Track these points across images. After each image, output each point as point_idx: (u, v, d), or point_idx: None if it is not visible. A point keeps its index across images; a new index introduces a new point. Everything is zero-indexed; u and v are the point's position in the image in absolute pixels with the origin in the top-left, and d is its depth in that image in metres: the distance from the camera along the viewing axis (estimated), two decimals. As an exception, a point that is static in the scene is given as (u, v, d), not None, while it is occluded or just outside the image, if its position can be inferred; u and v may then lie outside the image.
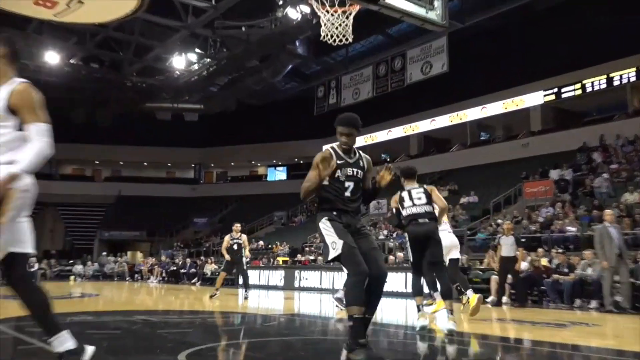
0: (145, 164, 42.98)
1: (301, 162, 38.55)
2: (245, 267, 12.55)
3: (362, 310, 3.88)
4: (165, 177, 43.76)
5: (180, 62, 27.21)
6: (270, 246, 26.07)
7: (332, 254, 4.00)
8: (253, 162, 42.94)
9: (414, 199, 6.42)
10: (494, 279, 11.99)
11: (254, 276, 19.53)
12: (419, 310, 6.63)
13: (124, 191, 39.58)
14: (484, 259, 14.45)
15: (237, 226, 12.49)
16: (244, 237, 12.42)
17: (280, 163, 41.51)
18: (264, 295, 15.00)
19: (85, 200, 38.46)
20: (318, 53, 26.70)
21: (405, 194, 6.51)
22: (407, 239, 6.51)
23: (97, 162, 42.76)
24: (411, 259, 6.53)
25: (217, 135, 39.38)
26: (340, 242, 3.98)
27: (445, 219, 8.06)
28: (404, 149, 32.92)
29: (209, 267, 23.46)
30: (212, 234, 34.00)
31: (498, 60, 27.04)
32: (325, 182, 4.14)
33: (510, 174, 22.50)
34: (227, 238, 12.32)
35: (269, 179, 41.47)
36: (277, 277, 19.53)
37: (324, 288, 16.88)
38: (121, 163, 43.11)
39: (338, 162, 4.15)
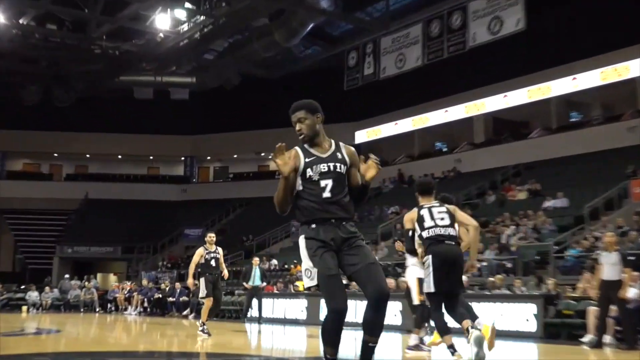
0: (119, 157, 42.75)
1: (327, 153, 38.37)
2: (222, 292, 12.97)
3: (335, 353, 4.45)
4: (147, 175, 43.77)
5: (165, 21, 27.29)
6: (287, 266, 26.06)
7: (307, 282, 4.51)
8: (263, 154, 42.38)
9: (435, 218, 7.16)
10: (592, 310, 11.77)
11: (266, 306, 19.56)
12: (453, 352, 6.99)
13: (92, 193, 39.41)
14: (577, 284, 14.32)
15: (211, 236, 12.76)
16: (221, 250, 12.83)
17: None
18: (279, 332, 14.91)
19: (40, 206, 38.62)
20: (349, 7, 26.59)
21: (425, 212, 7.24)
22: (429, 263, 6.99)
23: (55, 154, 42.42)
24: (433, 289, 6.96)
25: (215, 118, 39.43)
26: (314, 271, 4.43)
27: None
28: (467, 136, 32.85)
29: (206, 294, 23.42)
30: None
31: (593, 14, 26.58)
32: (299, 187, 4.58)
33: (613, 168, 22.20)
34: (200, 251, 12.56)
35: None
36: (297, 308, 19.35)
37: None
38: (88, 156, 42.86)
39: (306, 160, 4.59)
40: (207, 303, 12.42)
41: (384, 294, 4.39)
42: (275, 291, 21.97)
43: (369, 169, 4.60)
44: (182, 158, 43.77)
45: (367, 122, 36.65)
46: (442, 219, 7.11)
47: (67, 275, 31.18)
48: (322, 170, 4.55)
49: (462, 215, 7.29)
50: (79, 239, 37.14)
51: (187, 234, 37.21)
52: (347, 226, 4.53)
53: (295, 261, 25.72)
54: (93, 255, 37.62)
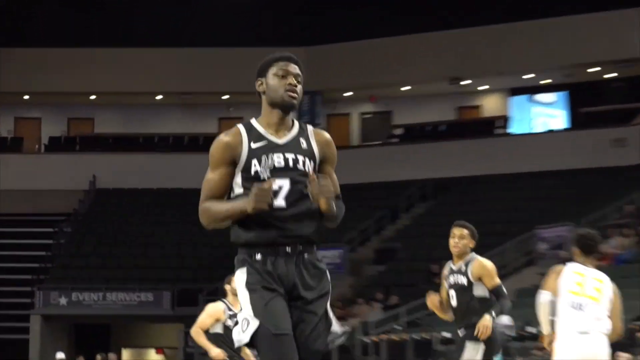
0: (158, 99, 38.79)
1: (609, 75, 35.91)
2: None
3: None
4: (215, 136, 39.93)
5: None
6: (531, 330, 24.72)
7: (236, 337, 4.59)
8: (464, 82, 37.25)
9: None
10: None
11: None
12: None
13: (103, 179, 36.34)
14: None
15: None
16: None
17: (546, 82, 37.87)
18: None
19: (5, 208, 35.06)
20: None
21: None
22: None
23: (26, 97, 38.55)
24: None
25: (356, 11, 36.59)
26: (255, 323, 4.40)
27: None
28: None
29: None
30: (362, 291, 31.09)
31: None
32: (239, 188, 4.50)
33: None
34: (217, 311, 11.29)
35: (513, 129, 38.28)
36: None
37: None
38: (93, 98, 38.74)
39: (252, 145, 4.50)
40: None
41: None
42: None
43: (318, 199, 4.33)
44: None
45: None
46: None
47: (60, 355, 27.33)
48: (277, 164, 4.34)
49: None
50: (79, 278, 33.06)
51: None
52: (311, 260, 4.37)
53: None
54: (111, 310, 32.45)
